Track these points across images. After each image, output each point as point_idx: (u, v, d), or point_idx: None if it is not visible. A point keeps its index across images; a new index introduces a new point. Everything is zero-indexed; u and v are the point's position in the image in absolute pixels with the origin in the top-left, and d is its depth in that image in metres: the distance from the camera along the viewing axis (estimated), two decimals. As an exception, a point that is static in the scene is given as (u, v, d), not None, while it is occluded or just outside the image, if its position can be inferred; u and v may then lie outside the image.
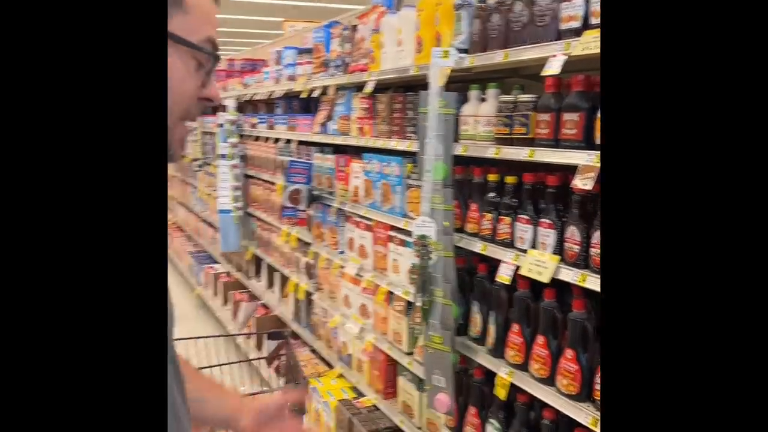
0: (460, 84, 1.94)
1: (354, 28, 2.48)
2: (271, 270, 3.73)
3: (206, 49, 0.74)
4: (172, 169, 6.40)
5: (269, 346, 3.42)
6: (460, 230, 1.85)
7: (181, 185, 6.01)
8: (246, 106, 4.17)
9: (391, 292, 2.27)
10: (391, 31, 2.17)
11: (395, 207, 2.18)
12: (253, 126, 3.78)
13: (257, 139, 3.72)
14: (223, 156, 3.96)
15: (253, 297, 4.13)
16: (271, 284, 3.81)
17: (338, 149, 2.79)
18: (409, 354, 2.18)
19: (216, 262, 5.04)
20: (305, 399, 1.06)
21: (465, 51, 1.78)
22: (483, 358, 1.76)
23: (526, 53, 1.52)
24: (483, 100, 1.78)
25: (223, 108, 4.08)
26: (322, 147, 2.86)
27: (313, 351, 3.18)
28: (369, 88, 2.24)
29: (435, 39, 1.89)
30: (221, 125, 3.98)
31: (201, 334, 1.93)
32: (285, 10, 10.06)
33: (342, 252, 2.67)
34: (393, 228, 2.25)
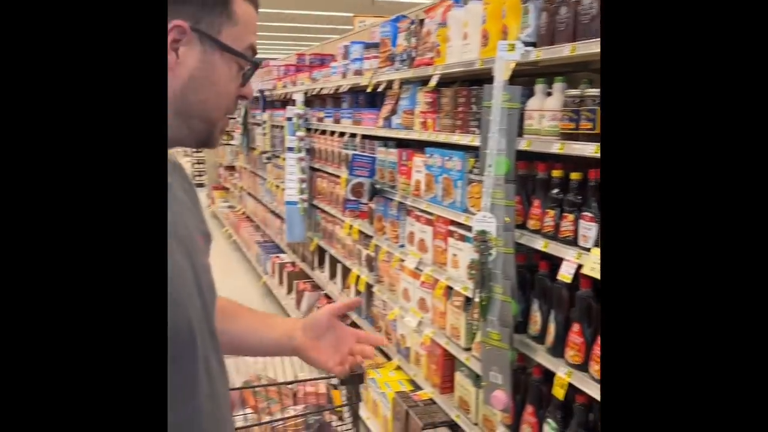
0: (526, 78, 1.90)
1: (421, 22, 2.48)
2: (334, 261, 3.80)
3: (248, 57, 0.86)
4: (242, 161, 6.62)
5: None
6: (522, 226, 1.82)
7: (251, 176, 6.21)
8: (314, 100, 4.26)
9: (450, 287, 2.27)
10: (457, 24, 2.16)
11: (456, 202, 2.17)
12: (320, 120, 3.85)
13: (323, 132, 3.79)
14: (290, 149, 4.06)
15: (316, 287, 4.22)
16: (333, 275, 3.88)
17: (401, 143, 2.80)
18: (467, 350, 2.18)
19: (282, 252, 5.18)
20: (355, 307, 1.09)
21: (532, 44, 1.75)
22: (542, 357, 1.73)
23: (595, 47, 1.48)
24: (549, 94, 1.74)
25: (292, 102, 4.18)
26: (386, 141, 2.89)
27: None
28: (433, 81, 2.24)
29: (501, 32, 1.87)
30: (290, 119, 4.08)
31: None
32: (356, 6, 10.15)
33: (402, 245, 2.69)
34: (453, 223, 2.24)
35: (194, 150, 11.99)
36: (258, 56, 0.91)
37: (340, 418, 1.71)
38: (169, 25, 0.79)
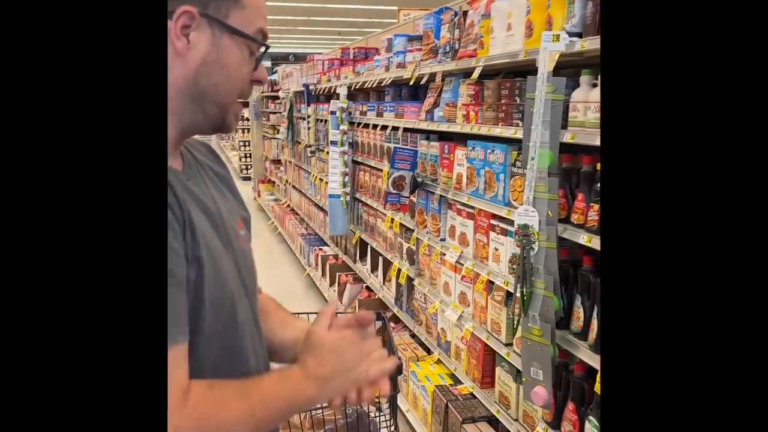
0: (571, 69, 1.86)
1: (464, 13, 2.45)
2: (375, 254, 3.82)
3: (258, 40, 0.87)
4: (288, 154, 6.72)
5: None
6: (565, 221, 1.78)
7: (296, 170, 6.29)
8: (357, 94, 4.28)
9: (491, 282, 2.25)
10: (500, 15, 2.13)
11: (498, 195, 2.15)
12: (363, 113, 3.87)
13: (366, 126, 3.80)
14: (333, 143, 4.09)
15: (358, 279, 4.25)
16: (374, 268, 3.90)
17: (443, 136, 2.78)
18: (508, 345, 2.16)
19: (325, 244, 5.24)
20: (371, 319, 1.01)
21: (577, 35, 1.71)
22: (584, 354, 1.70)
23: (643, 35, 1.43)
24: (594, 85, 1.70)
25: (336, 96, 4.21)
26: (428, 134, 2.88)
27: (413, 336, 3.23)
28: (476, 74, 2.22)
29: (546, 23, 1.83)
30: (333, 113, 4.11)
31: (309, 311, 2.00)
32: (399, -1, 10.12)
33: (443, 239, 2.68)
34: (495, 216, 2.21)
35: (241, 144, 12.24)
36: (270, 42, 0.92)
37: (378, 409, 1.72)
38: (178, 11, 0.81)
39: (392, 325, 3.42)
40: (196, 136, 0.99)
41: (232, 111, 0.90)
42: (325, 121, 4.57)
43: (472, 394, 2.48)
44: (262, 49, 0.89)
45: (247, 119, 10.83)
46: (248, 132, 10.93)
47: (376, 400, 1.79)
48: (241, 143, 12.26)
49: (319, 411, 1.60)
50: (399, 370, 1.54)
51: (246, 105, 9.72)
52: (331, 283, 4.68)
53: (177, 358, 0.75)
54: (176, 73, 0.85)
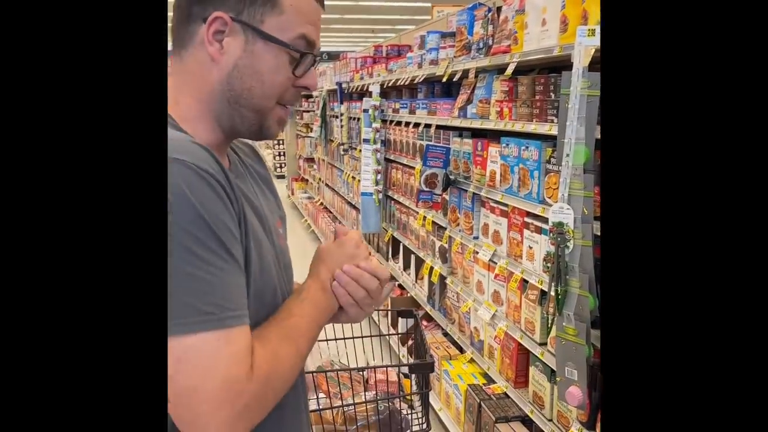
0: (607, 63, 1.82)
1: (498, 9, 2.43)
2: (408, 252, 3.81)
3: (294, 46, 0.86)
4: (321, 152, 6.77)
5: (402, 324, 3.51)
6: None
7: (329, 168, 6.34)
8: (390, 91, 4.27)
9: (525, 280, 2.22)
10: (535, 10, 2.10)
11: (532, 193, 2.12)
12: (396, 111, 3.86)
13: (399, 123, 3.80)
14: (366, 140, 4.10)
15: (390, 277, 4.25)
16: (407, 266, 3.90)
17: (476, 133, 2.76)
18: (542, 344, 2.13)
19: (357, 242, 5.25)
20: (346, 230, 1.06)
21: (614, 28, 1.67)
22: (620, 355, 1.66)
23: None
24: (632, 80, 1.66)
25: (369, 94, 4.21)
26: (461, 131, 2.86)
27: (446, 334, 3.21)
28: (510, 69, 2.19)
29: (581, 17, 1.79)
30: (366, 111, 4.12)
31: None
32: (432, -4, 10.08)
33: (476, 237, 2.66)
34: (529, 214, 2.19)
35: (275, 142, 12.38)
36: (317, 48, 0.91)
37: (410, 407, 1.72)
38: (210, 17, 0.83)
39: (424, 323, 3.41)
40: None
41: (273, 117, 0.90)
42: (358, 119, 4.58)
43: (505, 393, 2.45)
44: (305, 57, 0.88)
45: (281, 118, 10.93)
46: (282, 131, 11.05)
47: (409, 397, 1.79)
48: (275, 142, 12.41)
49: (351, 408, 1.61)
50: (431, 367, 1.54)
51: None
52: (364, 281, 4.69)
53: (248, 337, 0.77)
54: (212, 78, 0.87)
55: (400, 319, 3.56)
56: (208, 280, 0.73)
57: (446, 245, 3.01)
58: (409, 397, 1.75)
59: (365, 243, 1.00)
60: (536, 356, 2.16)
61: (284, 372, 0.81)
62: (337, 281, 0.93)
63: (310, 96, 7.88)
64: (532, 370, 2.25)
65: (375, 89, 4.06)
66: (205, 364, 0.72)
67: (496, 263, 2.42)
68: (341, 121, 5.32)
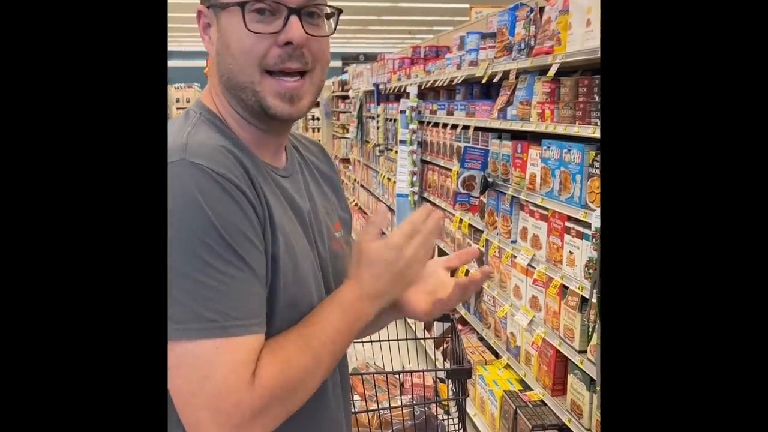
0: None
1: (540, 9, 2.38)
2: (443, 254, 3.78)
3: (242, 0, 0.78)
4: (357, 153, 6.78)
5: (437, 328, 3.48)
6: (647, 224, 1.69)
7: (365, 169, 6.34)
8: (427, 92, 4.25)
9: (564, 286, 2.17)
10: (579, 11, 2.05)
11: (574, 197, 2.07)
12: (433, 112, 3.84)
13: (436, 125, 3.77)
14: (402, 142, 4.09)
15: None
16: (442, 269, 3.86)
17: (515, 135, 2.72)
18: (582, 352, 2.08)
19: (392, 243, 5.24)
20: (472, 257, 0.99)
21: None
22: (665, 366, 1.61)
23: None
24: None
25: (406, 95, 4.20)
26: (500, 133, 2.81)
27: (481, 339, 3.17)
28: (553, 71, 2.15)
29: (629, 16, 1.74)
30: (403, 112, 4.10)
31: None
32: (471, -3, 10.01)
33: (514, 241, 2.62)
34: (570, 219, 2.14)
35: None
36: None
37: (446, 412, 1.69)
38: (196, 14, 0.84)
39: (459, 327, 3.38)
40: (308, 135, 0.98)
41: (266, 91, 0.81)
42: (394, 120, 4.57)
43: (542, 401, 2.40)
44: (249, 2, 0.79)
45: (318, 119, 11.02)
46: (319, 131, 11.13)
47: (445, 402, 1.76)
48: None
49: (387, 411, 1.60)
50: (468, 373, 1.51)
51: (317, 105, 9.89)
52: (398, 283, 4.68)
53: (253, 347, 0.73)
54: (216, 72, 0.86)
55: (435, 322, 3.53)
56: (215, 287, 0.71)
57: (483, 248, 2.97)
58: (445, 403, 1.72)
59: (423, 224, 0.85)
60: (575, 364, 2.10)
61: (296, 383, 0.76)
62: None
63: (347, 97, 7.91)
64: (570, 378, 2.20)
65: (412, 90, 4.04)
66: (202, 372, 0.70)
67: (534, 268, 2.37)
68: (377, 122, 5.31)
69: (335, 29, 0.87)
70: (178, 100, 13.29)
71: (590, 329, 1.82)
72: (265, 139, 0.88)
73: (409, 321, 4.09)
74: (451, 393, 1.54)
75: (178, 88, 13.62)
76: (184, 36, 17.37)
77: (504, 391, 2.56)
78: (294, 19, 0.80)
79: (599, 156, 1.89)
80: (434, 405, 1.68)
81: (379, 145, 5.32)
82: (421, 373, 1.89)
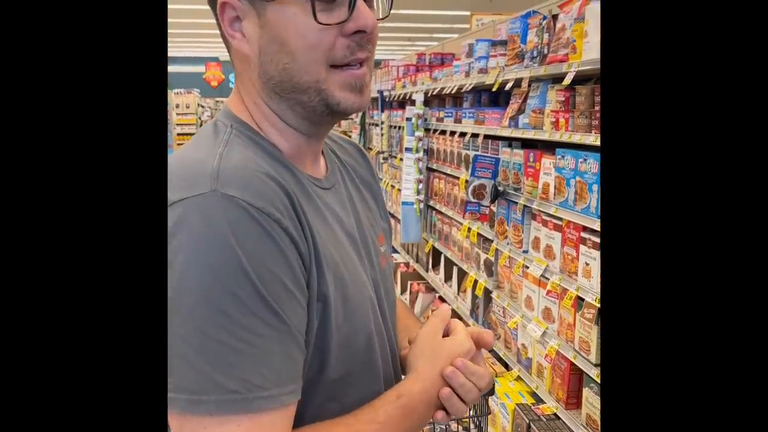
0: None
1: (554, 17, 2.36)
2: (450, 264, 3.74)
3: None
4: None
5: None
6: (669, 236, 1.66)
7: (366, 176, 6.30)
8: (432, 100, 4.22)
9: (580, 298, 2.13)
10: (596, 18, 2.02)
11: (590, 207, 2.03)
12: (440, 120, 3.81)
13: (443, 133, 3.74)
14: (408, 149, 4.05)
15: (430, 289, 4.18)
16: (448, 278, 3.83)
17: (526, 144, 2.68)
18: (598, 365, 2.03)
19: (396, 251, 5.20)
20: (490, 342, 0.88)
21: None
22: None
23: None
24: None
25: (411, 102, 4.17)
26: (510, 141, 2.78)
27: (490, 350, 3.13)
28: (568, 79, 2.11)
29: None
30: (409, 119, 4.07)
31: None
32: (473, 4, 10.02)
33: (526, 251, 2.58)
34: (586, 229, 2.10)
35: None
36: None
37: (466, 429, 1.65)
38: (219, 7, 0.72)
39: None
40: (342, 135, 0.87)
41: (333, 87, 0.71)
42: (399, 127, 4.53)
43: (555, 414, 2.36)
44: None
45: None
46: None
47: (465, 420, 1.72)
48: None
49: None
50: (491, 390, 1.47)
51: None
52: (402, 291, 4.64)
53: (284, 420, 0.63)
54: (253, 75, 0.74)
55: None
56: (241, 350, 0.59)
57: (492, 258, 2.93)
58: (465, 421, 1.68)
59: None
60: (591, 378, 2.06)
61: None
62: (450, 380, 0.76)
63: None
64: (586, 391, 2.15)
65: (418, 98, 4.01)
66: None
67: (548, 279, 2.33)
68: (381, 129, 5.28)
69: (389, 11, 0.77)
70: (177, 106, 13.27)
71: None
72: (306, 146, 0.78)
73: (415, 330, 4.03)
74: (471, 411, 1.49)
75: (177, 93, 13.60)
76: (183, 41, 17.36)
77: (516, 404, 2.52)
78: (361, 4, 0.70)
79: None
80: (455, 422, 1.64)
81: (383, 152, 5.29)
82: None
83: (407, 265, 4.80)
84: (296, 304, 0.65)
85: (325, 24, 0.69)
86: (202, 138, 0.73)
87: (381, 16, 0.76)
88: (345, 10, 0.70)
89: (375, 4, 0.75)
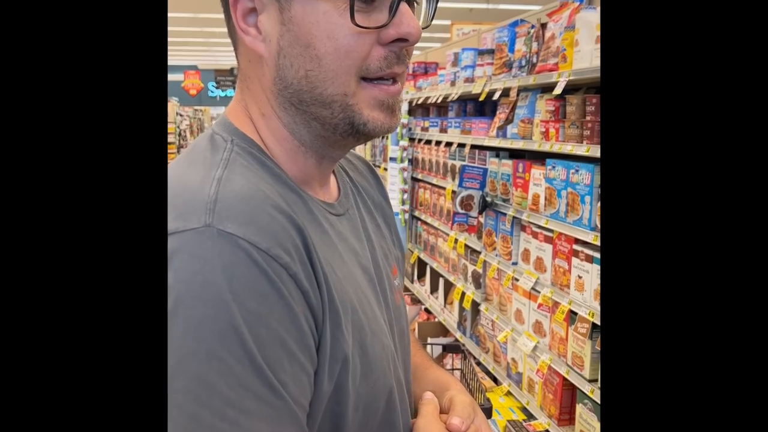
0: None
1: (542, 26, 2.33)
2: (436, 275, 3.69)
3: None
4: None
5: (433, 350, 3.36)
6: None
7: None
8: (416, 109, 4.18)
9: (572, 312, 2.09)
10: (587, 27, 1.99)
11: (583, 219, 1.99)
12: (425, 129, 3.76)
13: (428, 142, 3.69)
14: (393, 159, 4.00)
15: (416, 300, 4.12)
16: (434, 289, 3.77)
17: (514, 154, 2.65)
18: (592, 381, 1.99)
19: (379, 262, 5.13)
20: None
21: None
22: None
23: None
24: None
25: (395, 111, 4.12)
26: (498, 151, 2.74)
27: (478, 363, 3.07)
28: (559, 88, 2.08)
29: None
30: (392, 128, 4.02)
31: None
32: (454, 13, 10.05)
33: (515, 263, 2.53)
34: (578, 242, 2.06)
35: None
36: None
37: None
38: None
39: (452, 354, 3.27)
40: (352, 150, 0.74)
41: (362, 103, 0.60)
42: (383, 137, 4.48)
43: (548, 431, 2.30)
44: None
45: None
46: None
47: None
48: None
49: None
50: (488, 413, 1.40)
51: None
52: (386, 303, 4.57)
53: None
54: (266, 80, 0.62)
55: (432, 346, 3.39)
56: (220, 429, 0.48)
57: (480, 270, 2.88)
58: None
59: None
60: (584, 393, 2.01)
61: None
62: None
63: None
64: (579, 407, 2.10)
65: (403, 107, 3.97)
66: None
67: (539, 292, 2.29)
68: (364, 138, 5.23)
69: (432, 20, 0.65)
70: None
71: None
72: (319, 169, 0.67)
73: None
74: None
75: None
76: (161, 50, 17.17)
77: (508, 420, 2.46)
78: (405, 8, 0.59)
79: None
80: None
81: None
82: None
83: (391, 276, 4.73)
84: (299, 371, 0.53)
85: (363, 27, 0.57)
86: (197, 154, 0.61)
87: (423, 25, 0.64)
88: (385, 14, 0.58)
89: (417, 9, 0.64)
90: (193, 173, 0.57)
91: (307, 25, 0.58)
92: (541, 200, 2.26)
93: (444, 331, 3.45)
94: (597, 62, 1.91)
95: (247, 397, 0.49)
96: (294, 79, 0.60)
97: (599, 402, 1.92)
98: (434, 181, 3.55)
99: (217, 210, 0.52)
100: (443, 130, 3.39)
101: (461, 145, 3.09)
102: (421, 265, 3.98)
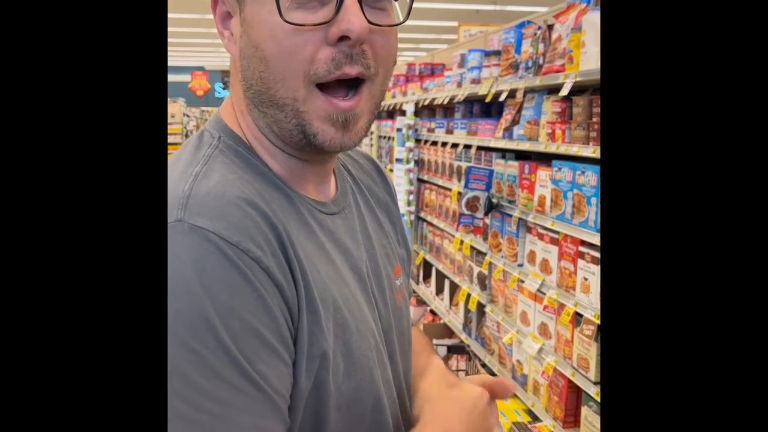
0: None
1: (549, 27, 2.32)
2: (441, 276, 3.68)
3: None
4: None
5: (438, 352, 3.36)
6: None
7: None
8: (422, 110, 4.18)
9: (578, 314, 2.08)
10: (593, 28, 1.99)
11: (589, 220, 1.99)
12: (431, 130, 3.76)
13: (434, 143, 3.69)
14: (399, 160, 4.00)
15: (421, 302, 4.12)
16: (440, 291, 3.77)
17: (520, 155, 2.64)
18: (598, 383, 1.98)
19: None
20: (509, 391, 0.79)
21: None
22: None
23: None
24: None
25: (401, 112, 4.12)
26: (504, 153, 2.74)
27: (483, 365, 3.07)
28: (566, 89, 2.07)
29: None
30: (399, 129, 4.03)
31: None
32: (460, 15, 10.06)
33: (521, 265, 2.53)
34: (584, 243, 2.05)
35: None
36: None
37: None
38: (211, 1, 0.62)
39: (458, 355, 3.27)
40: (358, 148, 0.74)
41: (312, 114, 0.58)
42: (389, 137, 4.49)
43: (552, 433, 2.30)
44: None
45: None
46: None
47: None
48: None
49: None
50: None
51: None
52: (392, 304, 4.57)
53: None
54: (238, 79, 0.62)
55: (448, 354, 3.38)
56: (199, 422, 0.47)
57: (486, 272, 2.87)
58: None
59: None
60: (590, 396, 2.01)
61: None
62: None
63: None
64: (584, 410, 2.10)
65: (409, 108, 3.97)
66: None
67: (544, 294, 2.28)
68: (371, 139, 5.23)
69: (408, 15, 0.61)
70: (162, 115, 13.12)
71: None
72: (305, 170, 0.66)
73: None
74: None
75: (162, 102, 13.46)
76: (168, 50, 17.26)
77: (513, 423, 2.46)
78: (351, 3, 0.55)
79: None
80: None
81: (371, 162, 5.24)
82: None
83: (397, 277, 4.73)
84: (277, 362, 0.52)
85: (296, 24, 0.55)
86: (184, 152, 0.62)
87: (395, 21, 0.61)
88: (331, 10, 0.55)
89: (388, 5, 0.60)
90: (175, 170, 0.57)
91: (255, 25, 0.57)
92: (547, 202, 2.26)
93: (449, 332, 3.45)
94: (604, 64, 1.91)
95: (224, 388, 0.49)
96: (252, 80, 0.60)
97: (605, 404, 1.92)
98: (440, 183, 3.54)
99: (189, 205, 0.52)
100: (449, 132, 3.39)
101: (467, 147, 3.09)
102: (427, 266, 3.98)
